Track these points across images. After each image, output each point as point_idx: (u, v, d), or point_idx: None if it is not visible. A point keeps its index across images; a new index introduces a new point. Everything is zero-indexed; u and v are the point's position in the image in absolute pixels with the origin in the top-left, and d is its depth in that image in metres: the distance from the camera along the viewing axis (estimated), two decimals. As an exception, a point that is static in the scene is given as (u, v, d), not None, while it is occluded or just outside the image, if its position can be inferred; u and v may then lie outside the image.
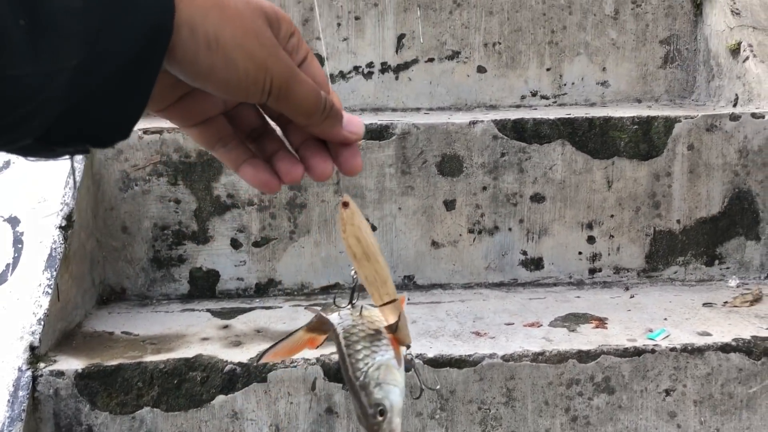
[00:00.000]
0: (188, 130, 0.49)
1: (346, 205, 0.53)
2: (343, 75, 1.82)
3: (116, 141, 0.40)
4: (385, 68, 1.81)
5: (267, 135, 0.51)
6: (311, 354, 1.21)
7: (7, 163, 1.45)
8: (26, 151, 0.40)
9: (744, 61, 1.67)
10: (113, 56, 0.37)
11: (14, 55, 0.34)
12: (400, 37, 1.81)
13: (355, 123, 0.50)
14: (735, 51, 1.69)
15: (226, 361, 1.20)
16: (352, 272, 0.55)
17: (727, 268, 1.56)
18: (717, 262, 1.56)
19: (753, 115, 1.54)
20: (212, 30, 0.40)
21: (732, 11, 1.74)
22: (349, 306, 0.56)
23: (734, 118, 1.54)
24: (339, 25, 1.80)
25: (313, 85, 0.46)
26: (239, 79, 0.41)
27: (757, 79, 1.62)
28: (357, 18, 1.80)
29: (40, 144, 0.39)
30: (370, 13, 1.80)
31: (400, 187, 1.51)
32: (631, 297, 1.47)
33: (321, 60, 1.81)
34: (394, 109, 1.81)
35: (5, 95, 0.34)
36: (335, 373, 1.19)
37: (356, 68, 1.81)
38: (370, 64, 1.81)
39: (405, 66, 1.82)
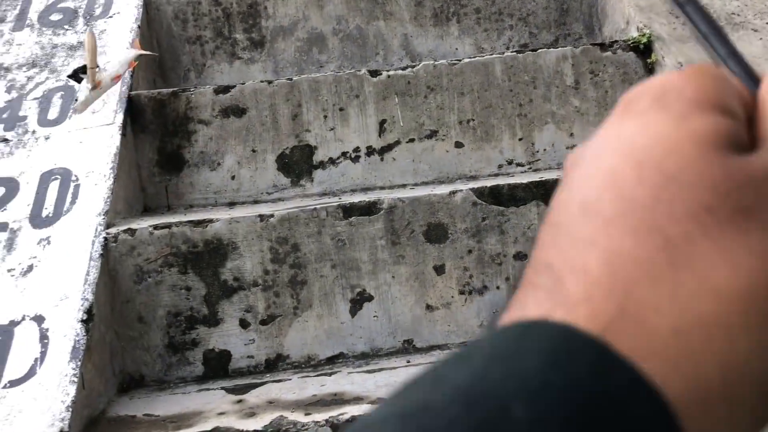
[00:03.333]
0: None
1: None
2: (332, 161, 1.97)
3: None
4: (370, 151, 1.97)
5: None
6: (320, 416, 1.31)
7: (30, 267, 1.58)
8: None
9: (696, 116, 1.82)
10: None
11: None
12: (382, 123, 1.97)
13: None
14: (687, 107, 1.86)
15: (242, 430, 1.30)
16: None
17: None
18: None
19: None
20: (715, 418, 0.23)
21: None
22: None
23: (691, 167, 1.68)
24: (325, 117, 1.97)
25: None
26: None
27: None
28: (341, 109, 1.98)
29: None
30: (352, 104, 1.98)
31: (392, 257, 1.64)
32: (617, 340, 1.57)
33: (311, 149, 1.97)
34: (382, 188, 1.95)
35: None
36: (344, 432, 1.28)
37: (344, 154, 1.97)
38: (356, 149, 1.97)
39: (388, 148, 1.98)
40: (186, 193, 1.96)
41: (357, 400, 1.39)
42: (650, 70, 2.01)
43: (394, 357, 1.62)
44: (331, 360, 1.63)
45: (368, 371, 1.55)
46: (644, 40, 2.02)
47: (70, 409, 1.32)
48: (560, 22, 2.44)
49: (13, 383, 1.38)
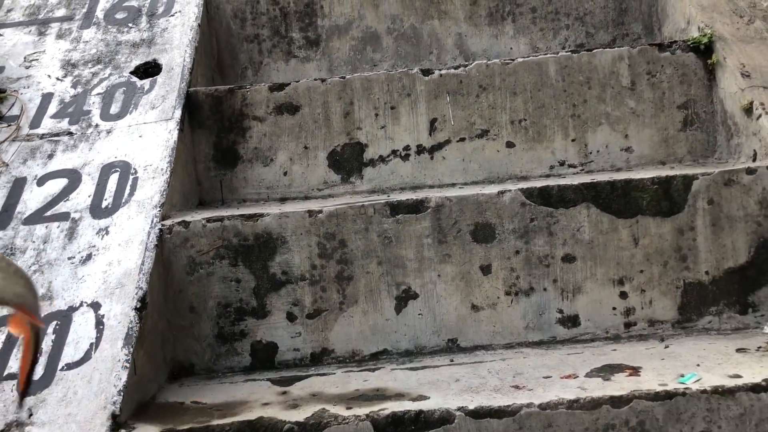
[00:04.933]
0: None
1: None
2: (382, 159, 1.98)
3: None
4: (420, 150, 1.98)
5: None
6: (361, 411, 1.32)
7: (89, 256, 1.65)
8: None
9: (758, 119, 1.76)
10: None
11: None
12: (433, 121, 1.98)
13: None
14: (748, 110, 1.79)
15: (285, 421, 1.32)
16: None
17: (762, 315, 1.61)
18: (751, 310, 1.61)
19: (769, 167, 1.62)
20: None
21: (742, 74, 1.85)
22: None
23: (750, 171, 1.63)
24: (377, 115, 1.99)
25: None
26: None
27: (771, 135, 1.71)
28: (392, 108, 1.99)
29: None
30: (404, 102, 1.98)
31: (438, 256, 1.64)
32: (666, 347, 1.53)
33: (362, 147, 1.99)
34: (431, 186, 1.96)
35: None
36: (383, 427, 1.29)
37: (394, 152, 1.98)
38: (406, 147, 1.98)
39: (438, 147, 1.98)
40: (239, 187, 2.00)
41: (398, 396, 1.40)
42: (710, 71, 1.96)
43: (437, 355, 1.63)
44: (375, 356, 1.65)
45: (411, 368, 1.56)
46: (705, 40, 1.96)
47: (122, 394, 1.37)
48: (618, 22, 2.39)
49: (70, 366, 1.44)
